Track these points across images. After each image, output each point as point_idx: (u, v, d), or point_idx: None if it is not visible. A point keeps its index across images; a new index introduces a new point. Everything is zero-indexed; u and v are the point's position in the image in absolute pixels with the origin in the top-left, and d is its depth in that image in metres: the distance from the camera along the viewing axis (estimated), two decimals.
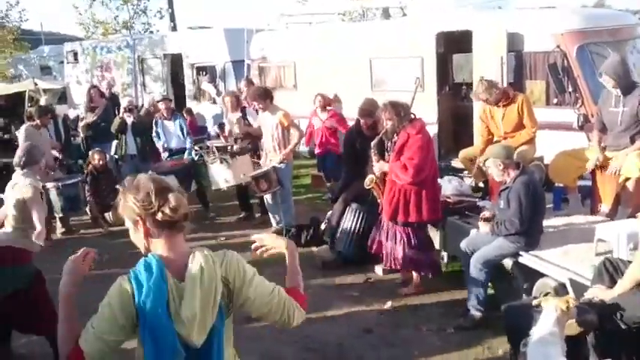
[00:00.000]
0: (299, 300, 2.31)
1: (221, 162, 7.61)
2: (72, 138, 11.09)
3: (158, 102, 9.27)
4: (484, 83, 6.21)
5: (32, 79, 17.05)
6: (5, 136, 13.34)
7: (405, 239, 5.56)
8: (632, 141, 5.48)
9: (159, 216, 2.05)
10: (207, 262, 2.06)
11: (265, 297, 2.20)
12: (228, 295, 2.13)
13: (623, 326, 3.66)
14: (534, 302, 3.94)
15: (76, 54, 17.31)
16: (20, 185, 4.60)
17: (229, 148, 7.88)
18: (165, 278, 2.02)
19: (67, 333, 2.08)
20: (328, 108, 9.10)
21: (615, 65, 5.45)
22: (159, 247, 2.11)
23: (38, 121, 8.23)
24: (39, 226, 4.49)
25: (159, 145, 8.91)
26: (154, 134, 8.94)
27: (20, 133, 8.18)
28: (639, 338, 3.68)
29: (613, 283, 3.89)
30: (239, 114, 8.21)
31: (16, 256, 4.47)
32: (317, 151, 9.21)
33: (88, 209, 8.43)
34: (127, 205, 2.09)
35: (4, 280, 4.36)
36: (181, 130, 8.88)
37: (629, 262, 3.99)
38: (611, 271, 3.94)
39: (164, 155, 8.91)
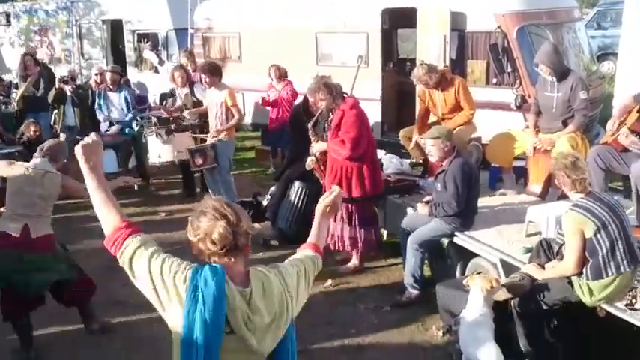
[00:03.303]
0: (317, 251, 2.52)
1: (156, 136, 7.47)
2: (4, 106, 10.64)
3: (105, 72, 8.85)
4: (424, 67, 6.28)
5: None
6: None
7: (348, 217, 5.64)
8: (565, 125, 5.69)
9: (201, 246, 2.11)
10: (271, 273, 2.19)
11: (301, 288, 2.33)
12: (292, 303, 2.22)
13: (544, 307, 3.89)
14: (463, 282, 4.15)
15: (8, 15, 16.45)
16: None
17: (171, 122, 7.71)
18: (226, 286, 2.04)
19: (106, 202, 2.25)
20: (284, 78, 8.97)
21: (550, 54, 5.63)
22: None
23: None
24: None
25: (100, 117, 8.57)
26: (96, 105, 8.61)
27: None
28: (557, 318, 3.93)
29: (547, 259, 4.14)
30: (187, 89, 8.00)
31: None
32: (272, 125, 9.08)
33: None
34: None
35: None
36: (126, 102, 8.55)
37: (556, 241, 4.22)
38: (546, 249, 4.22)
39: (104, 127, 8.60)
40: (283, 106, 8.82)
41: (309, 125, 5.75)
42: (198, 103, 7.88)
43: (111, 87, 8.53)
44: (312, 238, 2.58)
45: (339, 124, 5.45)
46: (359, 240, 5.72)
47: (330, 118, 5.57)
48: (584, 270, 3.75)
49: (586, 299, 3.78)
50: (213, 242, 2.06)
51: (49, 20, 15.32)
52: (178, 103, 8.11)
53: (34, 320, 4.65)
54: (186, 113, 7.78)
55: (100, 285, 4.97)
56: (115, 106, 8.53)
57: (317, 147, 5.70)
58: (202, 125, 7.78)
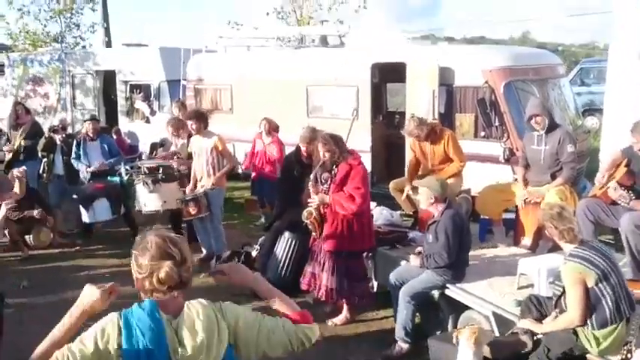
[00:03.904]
0: (302, 320, 2.38)
1: (143, 184, 7.41)
2: None
3: (85, 121, 8.86)
4: (415, 120, 6.37)
5: None
6: None
7: (342, 270, 5.57)
8: (553, 177, 5.75)
9: (146, 283, 2.12)
10: (203, 304, 2.16)
11: (270, 333, 2.28)
12: (232, 335, 2.19)
13: None
14: (452, 335, 4.09)
15: (2, 65, 16.60)
16: None
17: (159, 171, 7.66)
18: (160, 317, 2.06)
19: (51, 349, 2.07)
20: (273, 133, 9.02)
21: (542, 107, 5.79)
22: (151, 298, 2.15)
23: None
24: None
25: (79, 166, 8.46)
26: (73, 155, 8.51)
27: None
28: None
29: (539, 314, 4.10)
30: (184, 140, 7.99)
31: None
32: (253, 174, 9.11)
33: (7, 232, 8.01)
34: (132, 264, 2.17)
35: None
36: (109, 150, 8.52)
37: (549, 298, 4.19)
38: (536, 304, 4.22)
39: (84, 177, 8.51)
40: (265, 159, 8.83)
41: (312, 176, 5.71)
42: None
43: (91, 136, 8.50)
44: (287, 310, 2.46)
45: (345, 178, 5.42)
46: (350, 292, 5.65)
47: (334, 171, 5.54)
48: (588, 320, 3.73)
49: (593, 349, 3.75)
50: (160, 282, 2.08)
51: (43, 70, 15.48)
52: (173, 148, 8.12)
53: None
54: (174, 162, 7.76)
55: None
56: (93, 155, 8.43)
57: (319, 198, 5.62)
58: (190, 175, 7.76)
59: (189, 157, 7.72)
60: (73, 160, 8.51)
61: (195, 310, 2.13)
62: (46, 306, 6.05)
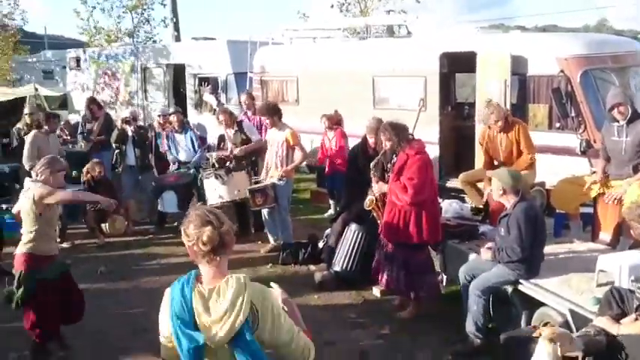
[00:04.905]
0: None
1: (216, 177, 7.53)
2: (70, 145, 11.06)
3: (170, 114, 9.07)
4: (491, 106, 6.19)
5: (33, 83, 17.07)
6: (4, 140, 13.29)
7: (405, 261, 5.51)
8: (635, 170, 5.46)
9: (195, 249, 2.39)
10: (239, 280, 2.33)
11: (285, 332, 2.39)
12: (254, 316, 2.33)
13: None
14: (534, 334, 3.91)
15: (78, 60, 17.30)
16: (26, 196, 4.63)
17: (228, 162, 7.80)
18: (191, 287, 2.34)
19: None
20: (336, 127, 9.00)
21: (625, 96, 5.49)
22: (201, 268, 2.42)
23: (46, 127, 8.12)
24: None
25: (170, 158, 8.74)
26: (165, 147, 8.79)
27: (28, 141, 8.02)
28: None
29: (620, 311, 3.88)
30: (234, 129, 8.11)
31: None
32: (327, 169, 9.11)
33: (84, 220, 8.36)
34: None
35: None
36: (192, 143, 8.72)
37: (631, 291, 3.96)
38: (617, 299, 3.96)
39: (172, 168, 8.78)
40: (334, 153, 8.83)
41: (371, 165, 5.68)
42: (247, 141, 7.99)
43: (177, 129, 8.73)
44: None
45: (402, 167, 5.36)
46: (416, 286, 5.57)
47: (393, 160, 5.47)
48: None
49: None
50: (204, 243, 2.36)
51: (116, 65, 16.03)
52: (228, 143, 8.24)
53: None
54: (236, 151, 7.86)
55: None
56: (182, 147, 8.71)
57: (378, 188, 5.62)
58: (253, 163, 7.86)
59: (243, 143, 7.83)
60: (166, 153, 8.78)
61: (230, 282, 2.33)
62: (122, 292, 6.27)
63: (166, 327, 2.38)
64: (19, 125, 10.74)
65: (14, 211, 4.93)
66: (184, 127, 8.82)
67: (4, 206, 7.94)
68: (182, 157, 8.67)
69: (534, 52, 8.17)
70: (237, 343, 2.28)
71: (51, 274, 4.68)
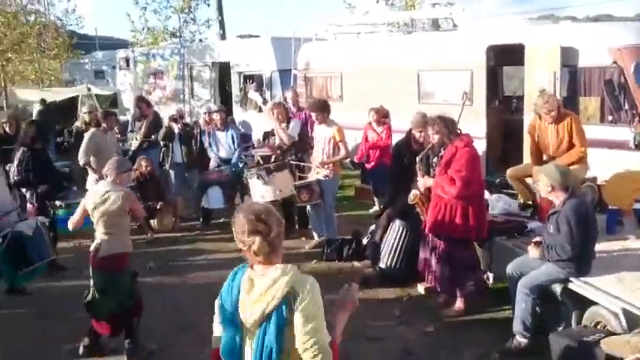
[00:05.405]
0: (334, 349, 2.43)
1: (257, 177, 7.58)
2: (120, 144, 11.32)
3: (213, 112, 9.24)
4: (544, 96, 6.02)
5: (86, 83, 17.59)
6: (58, 139, 13.70)
7: (449, 257, 5.43)
8: None
9: (247, 255, 2.46)
10: (285, 267, 2.41)
11: (310, 329, 2.34)
12: (291, 303, 2.36)
13: None
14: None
15: (127, 60, 17.73)
16: (113, 198, 4.77)
17: (272, 160, 7.83)
18: (242, 274, 2.47)
19: None
20: (384, 121, 8.92)
21: None
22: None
23: (104, 125, 8.33)
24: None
25: (211, 155, 8.88)
26: (206, 144, 8.95)
27: (86, 138, 8.19)
28: None
29: None
30: (284, 125, 8.15)
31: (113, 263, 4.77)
32: (369, 165, 9.05)
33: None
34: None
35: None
36: (232, 140, 8.83)
37: None
38: None
39: (213, 165, 8.92)
40: (382, 148, 8.75)
41: (417, 159, 5.62)
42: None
43: (219, 127, 8.84)
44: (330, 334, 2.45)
45: (450, 160, 5.28)
46: (461, 282, 5.48)
47: (441, 154, 5.40)
48: None
49: None
50: (255, 254, 2.42)
51: (164, 64, 16.35)
52: (277, 139, 8.25)
53: None
54: (285, 138, 7.85)
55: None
56: (222, 145, 8.82)
57: (422, 182, 5.55)
58: (300, 160, 7.87)
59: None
60: (207, 150, 8.91)
61: (277, 271, 2.39)
62: (169, 287, 6.38)
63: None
64: (77, 123, 11.08)
65: (79, 209, 5.03)
66: (226, 125, 8.93)
67: (57, 203, 8.17)
68: (222, 154, 8.79)
69: (586, 42, 7.92)
70: (268, 325, 2.34)
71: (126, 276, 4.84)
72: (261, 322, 2.36)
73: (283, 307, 2.33)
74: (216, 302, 2.54)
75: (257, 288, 2.39)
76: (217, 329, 2.58)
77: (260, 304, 2.35)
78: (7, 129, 8.62)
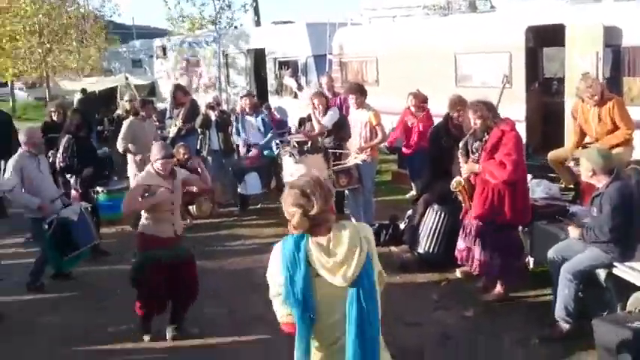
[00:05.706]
0: None
1: (289, 155, 7.59)
2: (159, 131, 11.47)
3: (242, 97, 9.30)
4: (587, 79, 5.88)
5: (124, 73, 17.88)
6: (99, 128, 13.98)
7: (496, 242, 5.35)
8: None
9: (290, 227, 2.52)
10: (349, 224, 2.53)
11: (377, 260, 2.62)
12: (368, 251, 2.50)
13: None
14: None
15: (164, 49, 17.93)
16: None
17: (307, 144, 7.84)
18: (306, 241, 2.47)
19: None
20: (423, 106, 8.79)
21: None
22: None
23: (143, 113, 8.45)
24: None
25: (238, 141, 8.93)
26: (233, 130, 9.00)
27: (125, 126, 8.30)
28: None
29: None
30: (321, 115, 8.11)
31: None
32: (407, 150, 8.97)
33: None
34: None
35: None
36: (263, 125, 8.87)
37: None
38: None
39: (243, 151, 8.98)
40: (420, 133, 8.64)
41: (460, 144, 5.53)
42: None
43: (248, 111, 8.88)
44: None
45: (497, 144, 5.18)
46: (506, 268, 5.41)
47: (485, 138, 5.32)
48: None
49: None
50: (295, 227, 2.48)
51: (200, 51, 16.48)
52: (316, 125, 8.21)
53: None
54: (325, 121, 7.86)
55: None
56: (253, 129, 8.85)
57: (468, 168, 5.45)
58: (337, 147, 7.84)
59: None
60: (233, 135, 8.97)
61: (341, 228, 2.48)
62: (209, 272, 6.46)
63: (279, 279, 2.53)
64: (118, 112, 11.26)
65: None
66: (256, 109, 8.95)
67: (99, 189, 8.36)
68: (252, 138, 8.78)
69: (629, 21, 7.66)
70: (361, 279, 2.43)
71: (165, 256, 4.87)
72: (358, 275, 2.43)
73: (368, 254, 2.48)
74: (277, 280, 2.54)
75: (338, 250, 2.43)
76: (280, 304, 2.60)
77: (353, 261, 2.41)
78: (54, 117, 8.83)
